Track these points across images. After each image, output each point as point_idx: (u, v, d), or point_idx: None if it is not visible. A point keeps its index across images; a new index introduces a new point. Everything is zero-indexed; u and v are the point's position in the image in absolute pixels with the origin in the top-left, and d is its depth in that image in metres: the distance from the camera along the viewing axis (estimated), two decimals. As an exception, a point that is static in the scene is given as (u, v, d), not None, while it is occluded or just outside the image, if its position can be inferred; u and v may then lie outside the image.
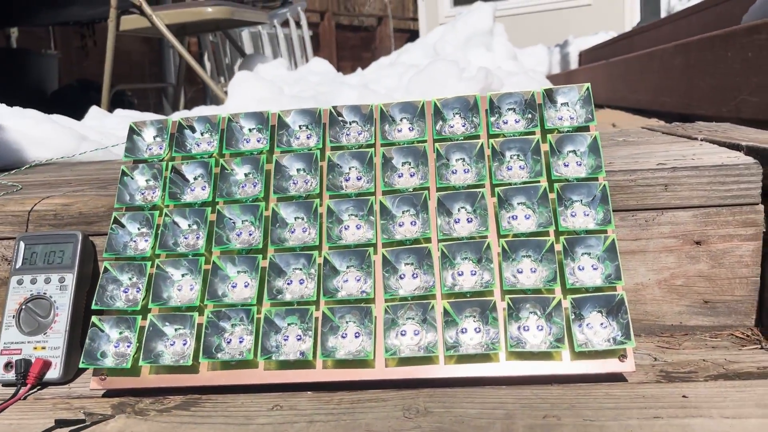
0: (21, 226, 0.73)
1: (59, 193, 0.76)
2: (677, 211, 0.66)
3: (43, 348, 0.65)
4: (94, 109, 2.05)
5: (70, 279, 0.68)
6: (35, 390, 0.64)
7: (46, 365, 0.64)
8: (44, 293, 0.67)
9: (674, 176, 0.65)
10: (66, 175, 0.95)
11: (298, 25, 4.38)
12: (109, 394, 0.62)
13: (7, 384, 0.66)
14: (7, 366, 0.65)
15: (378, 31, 8.80)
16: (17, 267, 0.69)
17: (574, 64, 4.49)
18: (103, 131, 1.56)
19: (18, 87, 4.00)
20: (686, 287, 0.67)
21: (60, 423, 0.54)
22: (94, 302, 0.62)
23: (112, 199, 0.72)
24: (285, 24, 4.35)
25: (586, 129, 0.65)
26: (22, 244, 0.69)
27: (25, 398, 0.63)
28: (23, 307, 0.67)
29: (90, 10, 3.60)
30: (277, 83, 2.29)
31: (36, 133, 1.23)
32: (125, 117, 1.81)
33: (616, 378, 0.58)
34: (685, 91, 1.49)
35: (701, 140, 0.83)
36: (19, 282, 0.68)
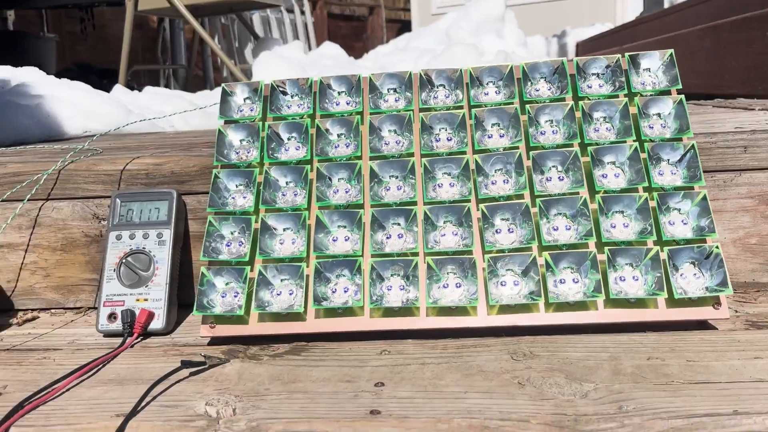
0: (113, 185, 0.75)
1: (147, 153, 0.78)
2: (755, 173, 0.69)
3: (146, 300, 0.68)
4: (118, 87, 2.07)
5: (168, 234, 0.70)
6: (139, 339, 0.67)
7: (151, 316, 0.67)
8: (143, 248, 0.69)
9: (753, 138, 0.68)
10: (135, 143, 0.97)
11: (301, 11, 4.38)
12: (215, 342, 0.65)
13: (109, 334, 0.68)
14: (111, 317, 0.68)
15: (370, 21, 8.78)
16: (114, 223, 0.71)
17: (571, 54, 4.52)
18: (138, 106, 1.58)
19: (18, 70, 3.97)
20: (760, 246, 0.70)
21: (186, 364, 0.57)
22: (201, 255, 0.64)
23: (202, 159, 0.74)
24: (289, 10, 4.35)
25: (668, 93, 0.68)
26: (118, 201, 0.72)
27: (132, 347, 0.65)
28: (123, 261, 0.69)
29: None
30: (300, 64, 2.30)
31: (86, 104, 1.25)
32: (155, 94, 1.82)
33: (706, 326, 0.61)
34: (715, 71, 1.53)
35: (759, 110, 0.86)
36: (118, 237, 0.70)
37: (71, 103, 1.21)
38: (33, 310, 0.79)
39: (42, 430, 0.50)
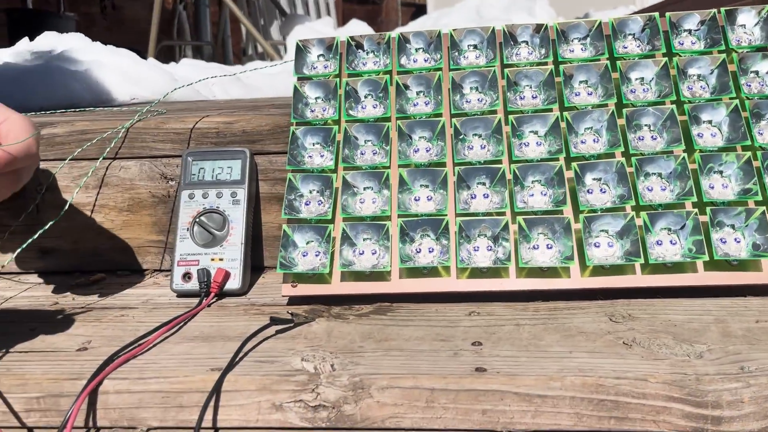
0: (182, 144, 0.74)
1: (215, 113, 0.76)
2: None
3: (221, 259, 0.66)
4: (152, 60, 2.05)
5: (242, 194, 0.68)
6: (215, 299, 0.65)
7: (227, 275, 0.65)
8: (217, 207, 0.68)
9: None
10: (193, 107, 0.95)
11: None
12: (294, 301, 0.63)
13: (183, 294, 0.67)
14: (185, 276, 0.66)
15: (384, 5, 8.69)
16: (186, 182, 0.69)
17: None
18: (179, 76, 1.56)
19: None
20: None
21: (274, 321, 0.55)
22: (283, 212, 0.62)
23: (275, 119, 0.72)
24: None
25: (764, 49, 0.65)
26: (189, 159, 0.70)
27: (208, 306, 0.64)
28: (197, 220, 0.68)
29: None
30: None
31: (132, 71, 1.23)
32: (193, 66, 1.80)
33: (809, 291, 0.58)
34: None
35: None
36: (190, 196, 0.69)
37: (119, 70, 1.19)
38: (98, 271, 0.78)
39: (137, 383, 0.49)
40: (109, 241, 0.77)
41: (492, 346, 0.51)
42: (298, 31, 2.21)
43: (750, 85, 0.63)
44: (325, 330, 0.56)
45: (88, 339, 0.57)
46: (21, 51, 1.36)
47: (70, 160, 0.74)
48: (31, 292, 0.71)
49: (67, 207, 0.72)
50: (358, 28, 3.38)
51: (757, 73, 0.64)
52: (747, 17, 0.66)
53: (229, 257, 0.66)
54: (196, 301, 0.64)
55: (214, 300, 0.65)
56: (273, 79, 1.71)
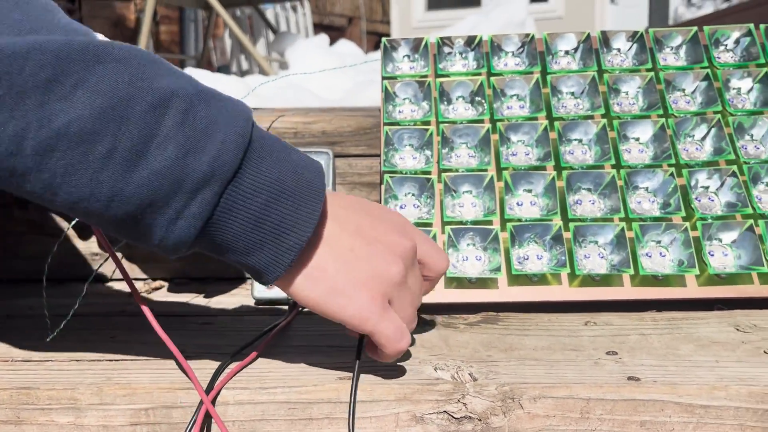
0: (256, 144, 0.70)
1: (290, 113, 0.73)
2: None
3: (307, 265, 0.62)
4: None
5: (327, 196, 0.65)
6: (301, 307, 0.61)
7: (315, 282, 0.61)
8: (300, 210, 0.64)
9: None
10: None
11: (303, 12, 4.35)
12: (390, 311, 0.60)
13: (265, 302, 0.63)
14: (268, 282, 0.62)
15: (349, 32, 8.79)
16: (266, 183, 0.65)
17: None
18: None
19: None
20: None
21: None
22: (382, 214, 0.59)
23: (357, 120, 0.69)
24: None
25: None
26: (268, 160, 0.66)
27: (299, 314, 0.60)
28: (278, 223, 0.64)
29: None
30: (331, 54, 2.26)
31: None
32: (199, 76, 1.76)
33: None
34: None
35: None
36: (271, 198, 0.65)
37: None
38: (154, 279, 0.73)
39: (260, 393, 0.44)
40: (168, 247, 0.72)
41: (629, 356, 0.49)
42: (302, 47, 2.19)
43: (677, 102, 0.64)
44: (441, 338, 0.53)
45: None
46: None
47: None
48: (90, 299, 0.66)
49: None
50: (347, 47, 3.38)
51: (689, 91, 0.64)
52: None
53: (315, 263, 0.62)
54: (278, 309, 0.60)
55: (302, 308, 0.61)
56: (283, 92, 1.68)
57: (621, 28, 0.67)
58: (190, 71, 1.90)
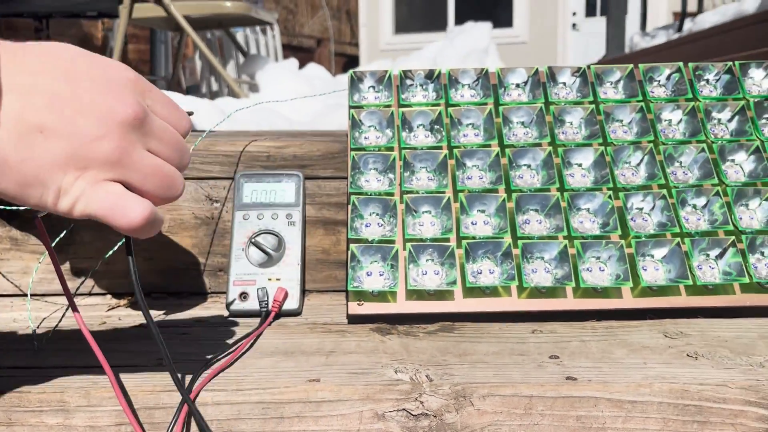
0: (230, 167, 0.74)
1: (262, 138, 0.78)
2: None
3: (278, 279, 0.67)
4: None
5: (297, 216, 0.70)
6: (275, 319, 0.66)
7: (286, 295, 0.66)
8: (272, 228, 0.69)
9: None
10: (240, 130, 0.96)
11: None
12: (354, 320, 0.64)
13: (238, 314, 0.67)
14: (242, 296, 0.67)
15: (317, 53, 8.89)
16: (241, 203, 0.70)
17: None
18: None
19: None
20: None
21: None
22: (348, 233, 0.64)
23: (326, 145, 0.75)
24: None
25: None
26: (243, 181, 0.71)
27: (269, 325, 0.64)
28: (252, 240, 0.68)
29: (55, 1, 3.48)
30: (300, 78, 2.32)
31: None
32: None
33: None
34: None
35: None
36: (245, 217, 0.69)
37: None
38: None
39: (236, 394, 0.49)
40: (146, 263, 0.76)
41: (570, 359, 0.54)
42: (272, 71, 2.25)
43: (615, 132, 0.72)
44: (401, 345, 0.58)
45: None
46: None
47: (113, 179, 0.73)
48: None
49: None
50: (315, 71, 3.45)
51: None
52: (756, 71, 0.74)
53: (287, 277, 0.67)
54: (251, 321, 0.64)
55: (275, 319, 0.66)
56: (255, 115, 1.73)
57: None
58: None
